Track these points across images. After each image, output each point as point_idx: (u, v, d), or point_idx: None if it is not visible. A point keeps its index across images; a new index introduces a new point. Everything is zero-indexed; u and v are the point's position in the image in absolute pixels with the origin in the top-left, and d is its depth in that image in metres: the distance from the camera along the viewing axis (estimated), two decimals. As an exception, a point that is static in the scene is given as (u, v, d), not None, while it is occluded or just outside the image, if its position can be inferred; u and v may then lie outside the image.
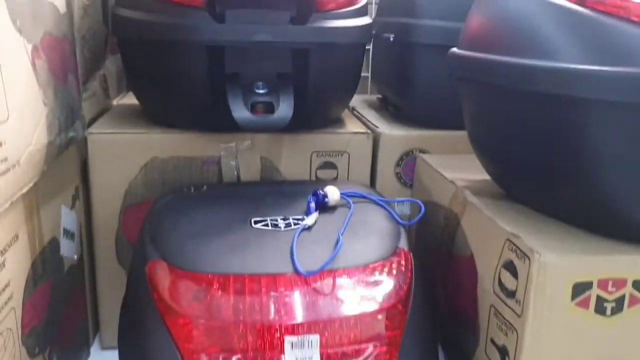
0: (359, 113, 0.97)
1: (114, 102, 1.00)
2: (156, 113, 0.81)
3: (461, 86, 0.63)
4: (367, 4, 0.80)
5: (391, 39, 0.86)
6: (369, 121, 0.90)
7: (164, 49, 0.72)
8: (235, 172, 0.80)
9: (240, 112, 0.71)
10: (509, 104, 0.55)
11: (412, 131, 0.85)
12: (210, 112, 0.76)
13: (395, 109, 0.93)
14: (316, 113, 0.80)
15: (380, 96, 1.05)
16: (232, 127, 0.73)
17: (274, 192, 0.72)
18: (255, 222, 0.63)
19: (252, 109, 0.72)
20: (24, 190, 0.56)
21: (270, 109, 0.72)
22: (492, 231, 0.59)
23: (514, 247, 0.55)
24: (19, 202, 0.57)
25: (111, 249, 0.80)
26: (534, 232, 0.55)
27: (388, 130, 0.85)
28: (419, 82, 0.84)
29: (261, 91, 0.73)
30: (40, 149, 0.59)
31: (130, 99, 0.96)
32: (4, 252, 0.54)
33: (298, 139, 0.81)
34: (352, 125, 0.86)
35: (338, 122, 0.87)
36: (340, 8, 0.74)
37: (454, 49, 0.63)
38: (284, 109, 0.72)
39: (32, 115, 0.57)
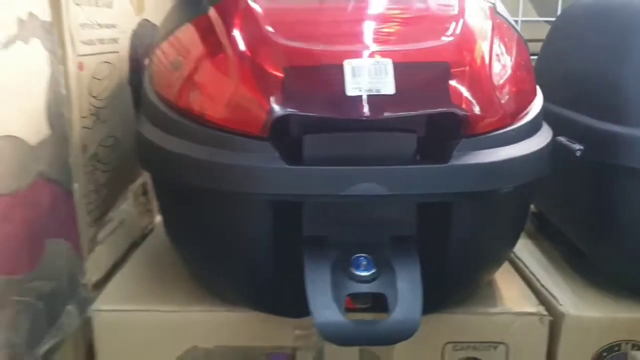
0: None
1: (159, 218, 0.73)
2: (201, 279, 0.52)
3: None
4: (542, 110, 0.46)
5: (577, 151, 0.52)
6: (534, 277, 0.56)
7: (206, 198, 0.43)
8: (319, 374, 0.50)
9: (325, 314, 0.40)
10: None
11: (618, 309, 0.51)
12: (278, 290, 0.46)
13: (577, 254, 0.58)
14: (455, 288, 0.47)
15: (535, 211, 0.70)
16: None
17: None
18: None
19: (348, 302, 0.41)
20: None
21: (380, 304, 0.41)
22: None
23: None
24: None
25: None
26: None
27: (575, 307, 0.51)
28: (634, 230, 0.49)
29: (364, 273, 0.41)
30: None
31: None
32: None
33: (423, 323, 0.49)
34: (510, 295, 0.53)
35: (486, 287, 0.54)
36: (503, 126, 0.42)
37: None
38: (408, 306, 0.40)
39: None
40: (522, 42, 0.48)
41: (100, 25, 0.54)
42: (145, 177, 0.68)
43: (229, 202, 0.42)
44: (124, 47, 0.60)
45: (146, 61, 0.61)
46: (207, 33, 0.43)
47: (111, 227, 0.59)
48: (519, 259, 0.60)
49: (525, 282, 0.56)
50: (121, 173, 0.60)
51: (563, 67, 0.60)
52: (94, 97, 0.53)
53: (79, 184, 0.50)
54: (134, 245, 0.64)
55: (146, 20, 0.66)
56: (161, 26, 0.56)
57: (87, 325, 0.50)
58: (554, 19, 0.79)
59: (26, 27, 0.41)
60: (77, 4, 0.49)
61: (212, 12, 0.43)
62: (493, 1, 0.46)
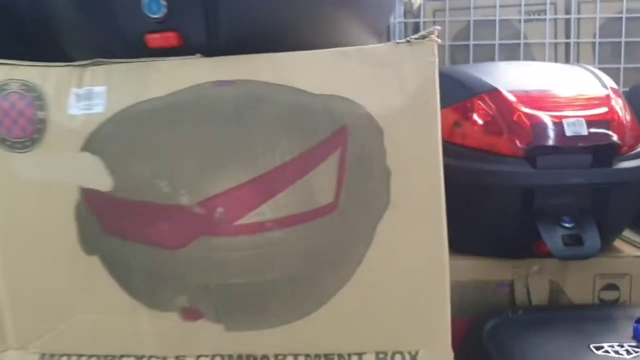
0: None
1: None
2: (459, 243, 0.91)
3: None
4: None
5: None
6: (630, 239, 0.96)
7: (482, 193, 0.83)
8: (526, 294, 0.88)
9: (555, 244, 0.79)
10: None
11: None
12: (512, 243, 0.85)
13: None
14: (607, 239, 0.87)
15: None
16: (523, 254, 0.84)
17: (591, 317, 0.79)
18: (597, 349, 0.70)
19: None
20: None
21: (578, 240, 0.81)
22: None
23: None
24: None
25: None
26: None
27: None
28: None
29: (568, 225, 0.81)
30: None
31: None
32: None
33: (583, 263, 0.88)
34: (626, 247, 0.93)
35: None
36: (633, 149, 0.83)
37: None
38: (592, 241, 0.80)
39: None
40: (629, 105, 0.90)
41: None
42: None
43: (499, 190, 0.82)
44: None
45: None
46: (478, 109, 0.84)
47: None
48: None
49: (626, 242, 0.96)
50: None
51: None
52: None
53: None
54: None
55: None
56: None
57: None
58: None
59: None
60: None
61: (477, 98, 0.85)
62: (616, 86, 0.88)
